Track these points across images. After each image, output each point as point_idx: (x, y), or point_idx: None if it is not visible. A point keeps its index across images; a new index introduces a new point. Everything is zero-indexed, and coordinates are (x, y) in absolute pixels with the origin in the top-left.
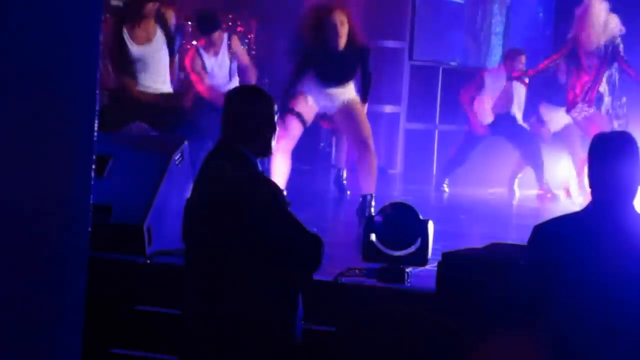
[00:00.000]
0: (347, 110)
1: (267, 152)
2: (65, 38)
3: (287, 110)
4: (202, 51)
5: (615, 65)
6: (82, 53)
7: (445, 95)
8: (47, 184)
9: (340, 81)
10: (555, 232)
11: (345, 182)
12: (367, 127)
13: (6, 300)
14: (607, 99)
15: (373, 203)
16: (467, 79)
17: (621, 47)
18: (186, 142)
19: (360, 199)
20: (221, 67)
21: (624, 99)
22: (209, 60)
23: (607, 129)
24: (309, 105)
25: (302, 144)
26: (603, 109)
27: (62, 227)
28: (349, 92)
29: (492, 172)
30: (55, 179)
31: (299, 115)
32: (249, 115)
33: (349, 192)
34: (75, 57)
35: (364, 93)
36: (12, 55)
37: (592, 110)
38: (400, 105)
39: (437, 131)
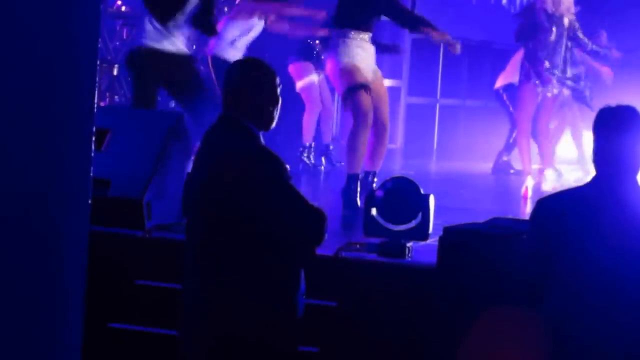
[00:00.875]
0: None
1: (269, 125)
2: (64, 7)
3: None
4: None
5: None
6: (82, 23)
7: (447, 69)
8: (48, 158)
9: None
10: (558, 206)
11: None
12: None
13: (6, 276)
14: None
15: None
16: (470, 52)
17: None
18: (185, 116)
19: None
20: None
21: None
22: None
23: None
24: None
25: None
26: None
27: (62, 201)
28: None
29: (493, 147)
30: (56, 152)
31: None
32: (251, 88)
33: (342, 163)
34: (76, 27)
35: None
36: (10, 23)
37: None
38: (401, 79)
39: (438, 105)
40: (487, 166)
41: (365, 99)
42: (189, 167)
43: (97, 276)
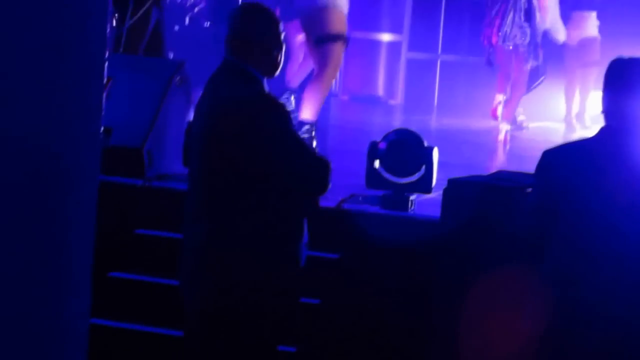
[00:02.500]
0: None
1: (274, 71)
2: None
3: None
4: None
5: None
6: None
7: (449, 24)
8: (60, 107)
9: None
10: (564, 157)
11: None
12: None
13: (18, 224)
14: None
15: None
16: (471, 6)
17: None
18: (186, 65)
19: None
20: None
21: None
22: None
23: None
24: None
25: None
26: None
27: (73, 149)
28: None
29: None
30: (67, 99)
31: None
32: (255, 32)
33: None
34: None
35: None
36: None
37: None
38: (402, 34)
39: (439, 61)
40: (487, 123)
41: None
42: (191, 116)
43: (97, 225)
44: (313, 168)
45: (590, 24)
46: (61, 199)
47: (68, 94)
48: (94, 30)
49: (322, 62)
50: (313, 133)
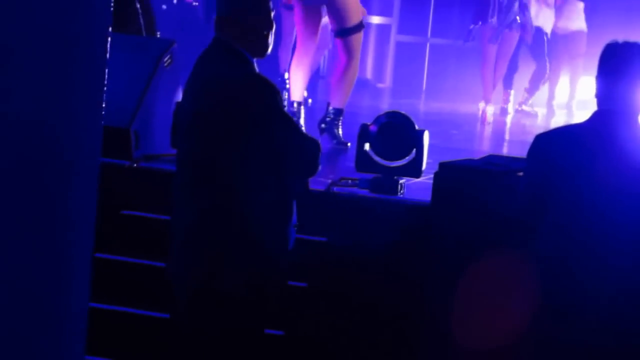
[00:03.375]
0: None
1: (264, 51)
2: None
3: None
4: None
5: None
6: None
7: (439, 7)
8: (61, 88)
9: None
10: (556, 141)
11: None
12: None
13: (19, 203)
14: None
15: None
16: None
17: None
18: (176, 44)
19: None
20: None
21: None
22: None
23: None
24: None
25: None
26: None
27: (74, 132)
28: None
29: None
30: (69, 82)
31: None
32: (245, 10)
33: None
34: None
35: None
36: None
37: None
38: (391, 17)
39: (428, 44)
40: (476, 107)
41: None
42: (180, 96)
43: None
44: (303, 149)
45: (578, 15)
46: (62, 184)
47: (70, 76)
48: (97, 8)
49: (348, 53)
50: (301, 114)
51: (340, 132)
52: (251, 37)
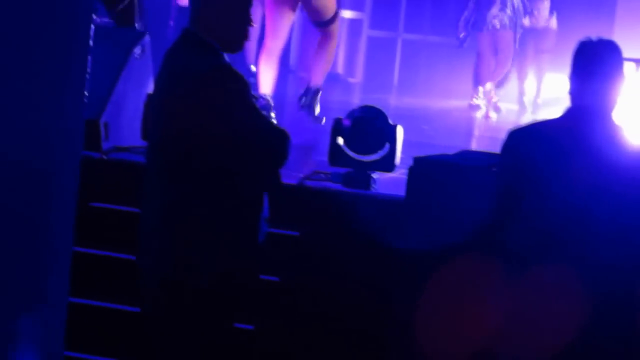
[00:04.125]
0: None
1: (234, 46)
2: None
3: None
4: None
5: None
6: None
7: (411, 2)
8: (44, 83)
9: None
10: (529, 137)
11: None
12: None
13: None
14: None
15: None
16: None
17: None
18: (148, 36)
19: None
20: None
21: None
22: None
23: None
24: None
25: None
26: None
27: (56, 121)
28: None
29: (454, 84)
30: (51, 76)
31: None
32: (216, 4)
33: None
34: None
35: None
36: None
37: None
38: (363, 12)
39: (400, 40)
40: (447, 103)
41: None
42: (151, 88)
43: None
44: (271, 139)
45: (547, 12)
46: (44, 179)
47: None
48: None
49: (327, 36)
50: (272, 106)
51: (318, 109)
52: (222, 30)
